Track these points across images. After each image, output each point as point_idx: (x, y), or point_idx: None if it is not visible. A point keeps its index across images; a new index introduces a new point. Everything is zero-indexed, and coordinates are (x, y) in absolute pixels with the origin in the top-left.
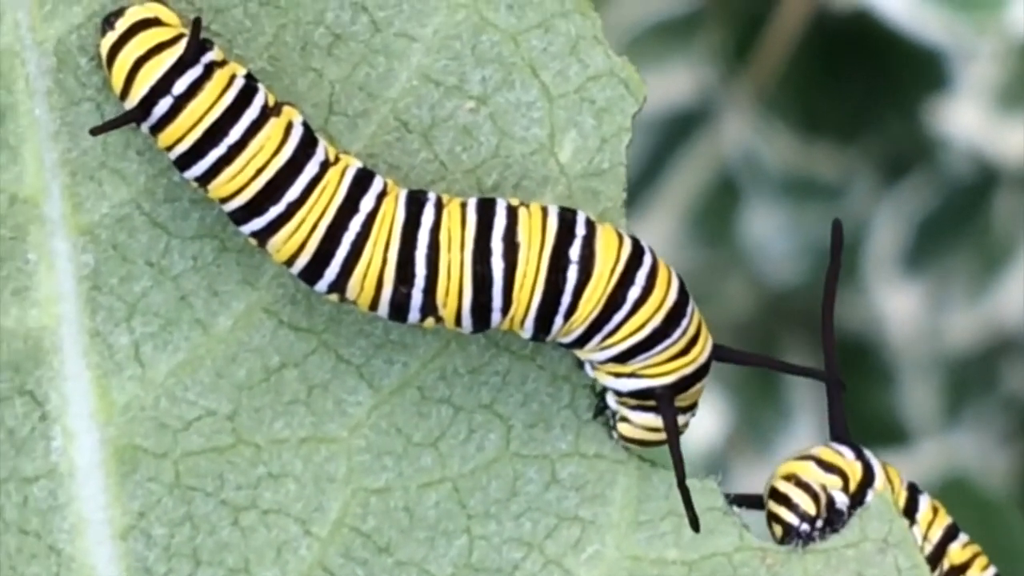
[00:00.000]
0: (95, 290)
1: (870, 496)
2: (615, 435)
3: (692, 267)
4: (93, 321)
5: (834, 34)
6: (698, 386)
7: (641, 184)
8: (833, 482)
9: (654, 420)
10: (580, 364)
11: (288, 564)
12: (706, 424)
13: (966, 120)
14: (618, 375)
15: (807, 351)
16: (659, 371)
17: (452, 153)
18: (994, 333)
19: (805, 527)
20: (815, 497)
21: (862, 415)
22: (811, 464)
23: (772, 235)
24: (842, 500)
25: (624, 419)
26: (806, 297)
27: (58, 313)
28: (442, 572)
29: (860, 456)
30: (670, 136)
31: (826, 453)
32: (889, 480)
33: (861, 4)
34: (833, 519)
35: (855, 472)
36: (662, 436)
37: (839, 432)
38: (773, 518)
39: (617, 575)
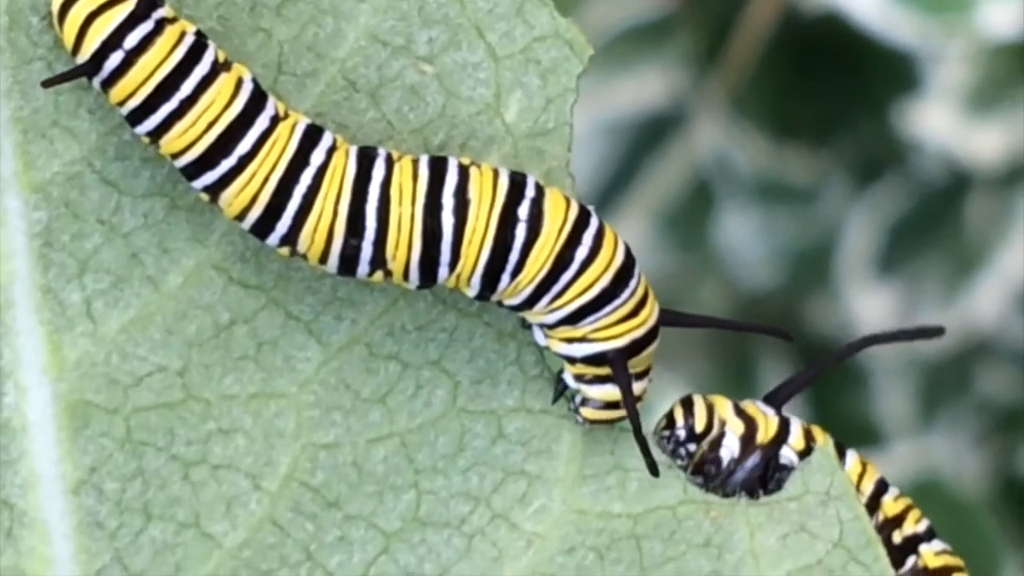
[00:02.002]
0: (47, 247)
1: (785, 452)
2: (580, 419)
3: (665, 271)
4: (45, 278)
5: (804, 37)
6: (649, 350)
7: (614, 188)
8: (735, 426)
9: (612, 391)
10: (532, 332)
11: (238, 518)
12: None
13: (937, 123)
14: (570, 340)
15: (781, 354)
16: (610, 334)
17: (399, 113)
18: (967, 336)
19: (682, 434)
20: (710, 424)
21: (836, 417)
22: (728, 402)
23: (745, 239)
24: (731, 443)
25: (585, 401)
26: (780, 301)
27: (10, 270)
28: (390, 526)
29: (780, 416)
30: (642, 140)
31: (748, 403)
32: (812, 437)
33: (830, 6)
34: (712, 458)
35: (768, 426)
36: (620, 413)
37: (775, 397)
38: (665, 416)
39: (563, 529)
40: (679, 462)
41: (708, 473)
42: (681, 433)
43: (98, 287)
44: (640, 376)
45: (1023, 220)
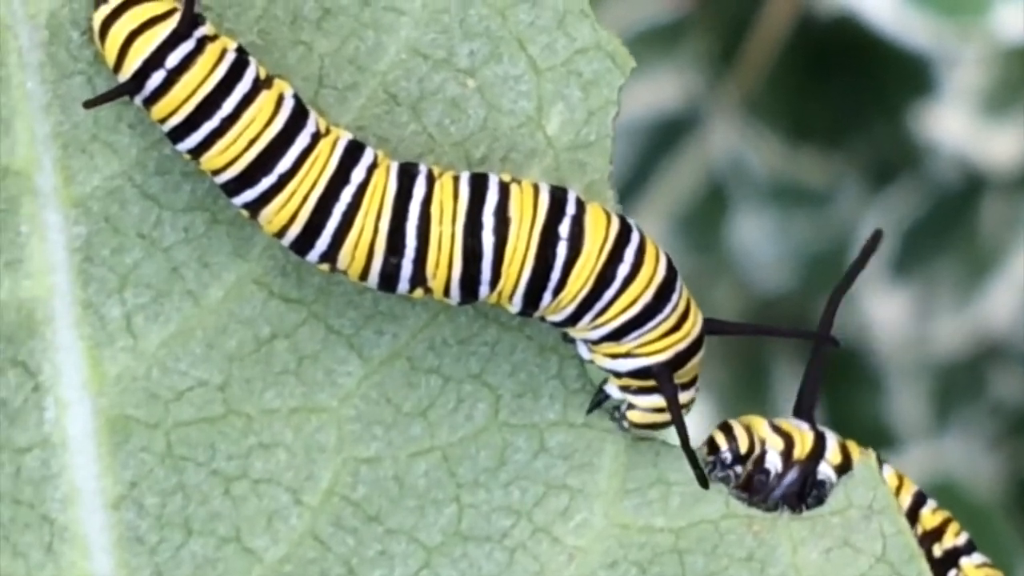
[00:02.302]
0: (87, 262)
1: (823, 468)
2: (625, 425)
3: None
4: (85, 292)
5: (819, 39)
6: (694, 361)
7: (628, 190)
8: (775, 442)
9: (659, 400)
10: (575, 345)
11: (279, 533)
12: (691, 425)
13: (952, 126)
14: (615, 356)
15: (794, 357)
16: (654, 348)
17: (440, 126)
18: (981, 339)
19: (728, 456)
20: (752, 445)
21: (850, 421)
22: (763, 421)
23: (759, 241)
24: (774, 461)
25: (631, 406)
26: (793, 303)
27: (50, 284)
28: (431, 540)
29: (815, 430)
30: (657, 142)
31: (782, 420)
32: (849, 452)
33: (846, 9)
34: (758, 477)
35: (804, 441)
36: (667, 417)
37: (804, 408)
38: (707, 443)
39: (605, 543)
40: (728, 485)
41: (754, 490)
42: (727, 456)
43: (138, 302)
44: (687, 386)
45: None
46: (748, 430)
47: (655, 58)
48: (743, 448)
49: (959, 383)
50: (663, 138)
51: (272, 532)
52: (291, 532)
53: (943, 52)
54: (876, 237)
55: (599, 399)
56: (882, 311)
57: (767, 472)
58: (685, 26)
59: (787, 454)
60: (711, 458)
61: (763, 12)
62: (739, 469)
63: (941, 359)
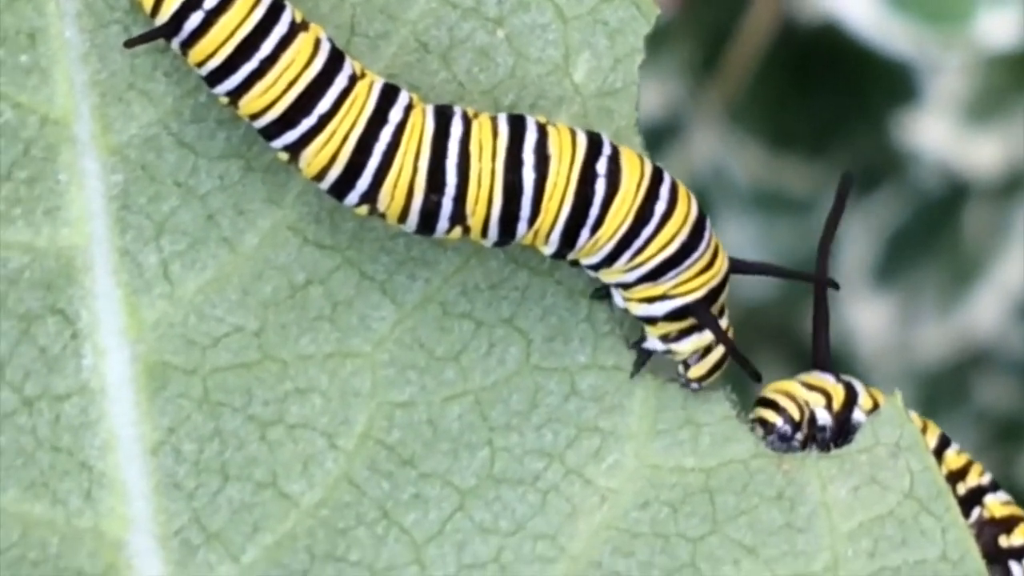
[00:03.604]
0: (124, 209)
1: (856, 414)
2: (694, 385)
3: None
4: (123, 240)
5: (801, 47)
6: (722, 297)
7: None
8: (816, 399)
9: (699, 339)
10: (608, 295)
11: (315, 477)
12: None
13: (935, 133)
14: (651, 299)
15: (780, 364)
16: (690, 287)
17: (470, 74)
18: (965, 346)
19: (786, 428)
20: (800, 408)
21: None
22: (796, 383)
23: (742, 249)
24: (824, 417)
25: (687, 364)
26: (778, 311)
27: (88, 232)
28: (465, 483)
29: (841, 381)
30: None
31: (809, 377)
32: (875, 399)
33: (828, 16)
34: (815, 435)
35: (838, 393)
36: (721, 352)
37: (821, 359)
38: (758, 422)
39: (637, 484)
40: (792, 452)
41: (812, 448)
42: (786, 429)
43: (175, 249)
44: (719, 316)
45: (1021, 230)
46: (789, 396)
47: None
48: (796, 415)
49: (943, 390)
50: (645, 145)
51: (308, 477)
52: (327, 476)
53: (926, 60)
54: (846, 181)
55: (643, 358)
56: (865, 318)
57: (823, 428)
58: (667, 33)
59: (828, 407)
60: (769, 437)
61: (745, 20)
62: (799, 436)
63: (925, 366)
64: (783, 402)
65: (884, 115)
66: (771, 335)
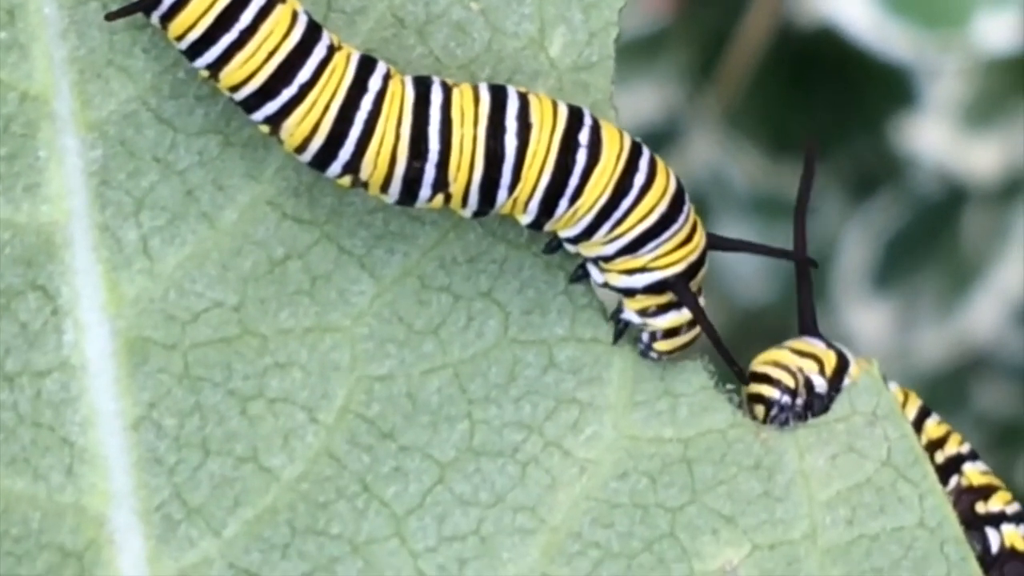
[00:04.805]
0: (104, 185)
1: (847, 381)
2: (655, 356)
3: None
4: (102, 216)
5: (799, 51)
6: (701, 273)
7: None
8: (809, 366)
9: (677, 316)
10: (585, 277)
11: (295, 451)
12: None
13: (933, 137)
14: (631, 271)
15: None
16: (670, 260)
17: (446, 48)
18: (964, 351)
19: (786, 399)
20: (793, 376)
21: None
22: (786, 351)
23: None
24: (819, 382)
25: (655, 335)
26: (775, 315)
27: (68, 208)
28: (445, 456)
29: (831, 346)
30: None
31: (799, 343)
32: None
33: (825, 20)
34: (813, 403)
35: (829, 358)
36: (692, 334)
37: (808, 326)
38: (754, 398)
39: (615, 454)
40: (794, 422)
41: (810, 415)
42: (785, 400)
43: (155, 224)
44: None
45: (1019, 235)
46: (780, 366)
47: (635, 70)
48: (791, 383)
49: (942, 394)
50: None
51: (288, 451)
52: (307, 450)
53: (924, 64)
54: (812, 146)
55: (620, 328)
56: (864, 323)
57: (821, 396)
58: (665, 38)
59: (822, 372)
60: (772, 413)
61: (743, 24)
62: (799, 402)
63: (924, 371)
64: (775, 373)
65: (882, 119)
66: (769, 339)
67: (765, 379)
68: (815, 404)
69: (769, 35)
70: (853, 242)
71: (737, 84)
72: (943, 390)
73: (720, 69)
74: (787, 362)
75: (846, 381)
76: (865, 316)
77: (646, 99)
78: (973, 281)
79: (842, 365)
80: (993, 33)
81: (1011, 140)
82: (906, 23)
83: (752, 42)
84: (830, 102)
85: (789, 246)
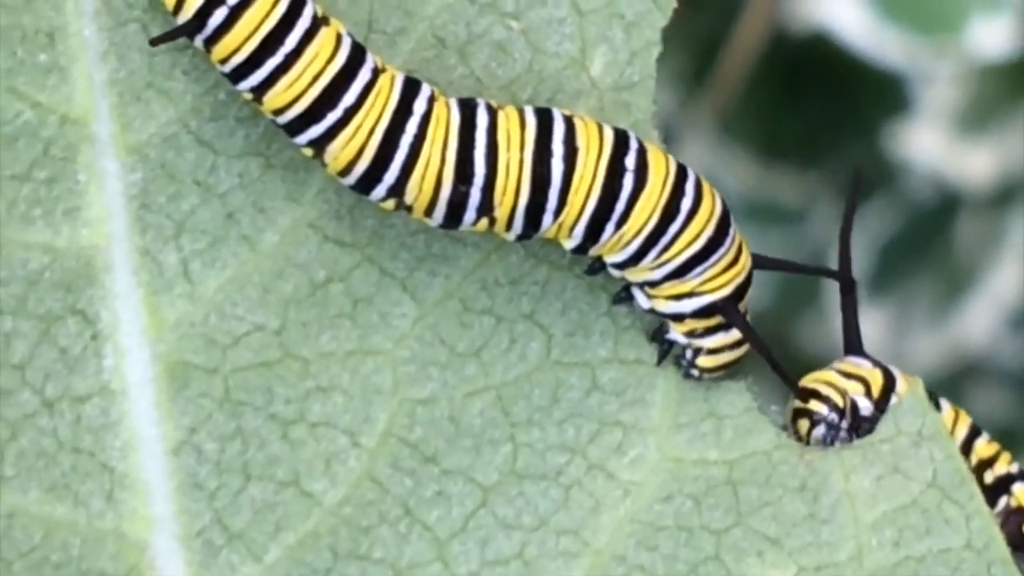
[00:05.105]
0: (144, 209)
1: (894, 400)
2: (696, 373)
3: None
4: (143, 239)
5: (792, 57)
6: (748, 294)
7: None
8: (855, 388)
9: (724, 337)
10: (629, 299)
11: (338, 475)
12: None
13: (927, 143)
14: (678, 296)
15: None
16: (717, 283)
17: (488, 69)
18: (958, 357)
19: (833, 416)
20: (842, 395)
21: None
22: (833, 372)
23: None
24: (865, 405)
25: (699, 351)
26: (770, 322)
27: (108, 232)
28: (488, 480)
29: (878, 365)
30: None
31: (845, 365)
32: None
33: (819, 26)
34: (858, 425)
35: (876, 379)
36: (739, 353)
37: (854, 345)
38: (800, 413)
39: (660, 476)
40: (839, 444)
41: (859, 435)
42: (833, 417)
43: (195, 248)
44: None
45: (1013, 240)
46: (830, 385)
47: None
48: (840, 402)
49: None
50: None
51: (331, 475)
52: (349, 474)
53: (917, 69)
54: (859, 172)
55: (665, 348)
56: None
57: (867, 419)
58: None
59: (868, 395)
60: (816, 430)
61: (736, 30)
62: (845, 424)
63: (918, 376)
64: (824, 390)
65: (876, 125)
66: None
67: (814, 395)
68: (861, 427)
69: (762, 41)
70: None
71: (730, 90)
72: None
73: (713, 75)
74: (835, 382)
75: (893, 399)
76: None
77: None
78: (967, 287)
79: (888, 384)
80: (987, 39)
81: (1005, 146)
82: (900, 29)
83: (745, 48)
84: (823, 108)
85: (783, 253)
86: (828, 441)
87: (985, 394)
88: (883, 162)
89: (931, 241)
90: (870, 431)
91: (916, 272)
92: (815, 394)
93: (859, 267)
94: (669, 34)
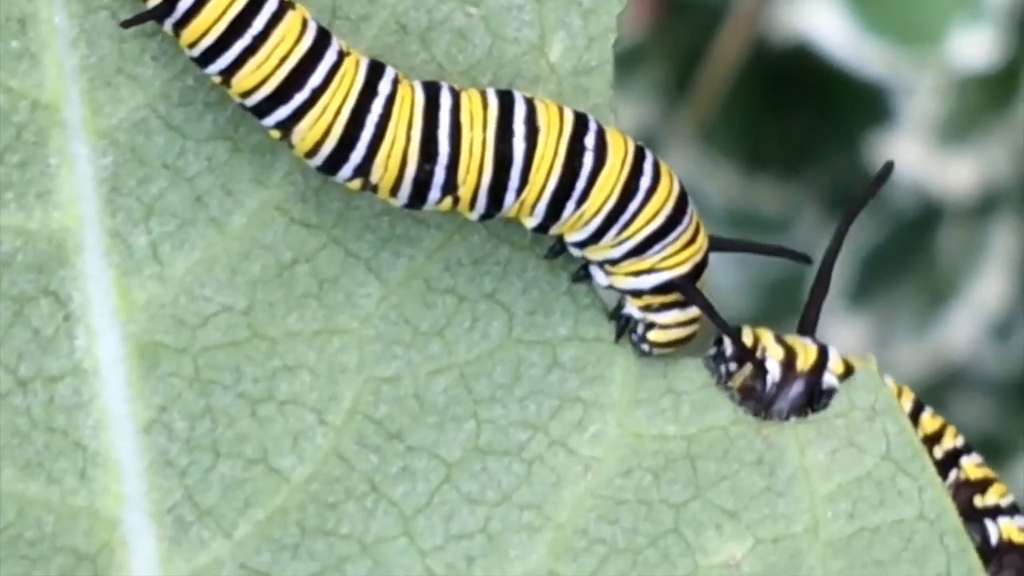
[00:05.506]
0: (114, 192)
1: (827, 378)
2: (646, 348)
3: None
4: (113, 222)
5: (774, 68)
6: (704, 275)
7: None
8: (775, 351)
9: (679, 314)
10: (587, 277)
11: (305, 452)
12: None
13: (909, 154)
14: (637, 273)
15: None
16: (676, 261)
17: (449, 54)
18: (940, 366)
19: (728, 350)
20: (754, 347)
21: None
22: (769, 333)
23: (717, 269)
24: (772, 368)
25: (651, 326)
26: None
27: (79, 215)
28: (452, 456)
29: (815, 342)
30: None
31: (788, 336)
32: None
33: (800, 37)
34: (754, 383)
35: (808, 353)
36: (690, 330)
37: (807, 327)
38: (716, 340)
39: (620, 452)
40: (723, 381)
41: (752, 398)
42: (728, 350)
43: (164, 230)
44: None
45: (995, 250)
46: (755, 337)
47: None
48: (747, 344)
49: None
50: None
51: (298, 452)
52: (316, 451)
53: (899, 80)
54: (888, 167)
55: (622, 324)
56: (841, 338)
57: (764, 380)
58: (640, 55)
59: (788, 364)
60: (712, 350)
61: (718, 41)
62: (733, 367)
63: None
64: (745, 334)
65: (858, 136)
66: None
67: (735, 332)
68: (757, 385)
69: (744, 51)
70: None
71: (712, 100)
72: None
73: (695, 85)
74: (761, 338)
75: (827, 376)
76: (842, 332)
77: (622, 115)
78: (949, 297)
79: (821, 361)
80: (968, 50)
81: (986, 156)
82: (881, 40)
83: (727, 58)
84: (805, 119)
85: (765, 263)
86: (715, 375)
87: (968, 403)
88: (865, 173)
89: (913, 251)
90: (769, 397)
91: (899, 282)
92: (736, 331)
93: (842, 277)
94: (651, 44)
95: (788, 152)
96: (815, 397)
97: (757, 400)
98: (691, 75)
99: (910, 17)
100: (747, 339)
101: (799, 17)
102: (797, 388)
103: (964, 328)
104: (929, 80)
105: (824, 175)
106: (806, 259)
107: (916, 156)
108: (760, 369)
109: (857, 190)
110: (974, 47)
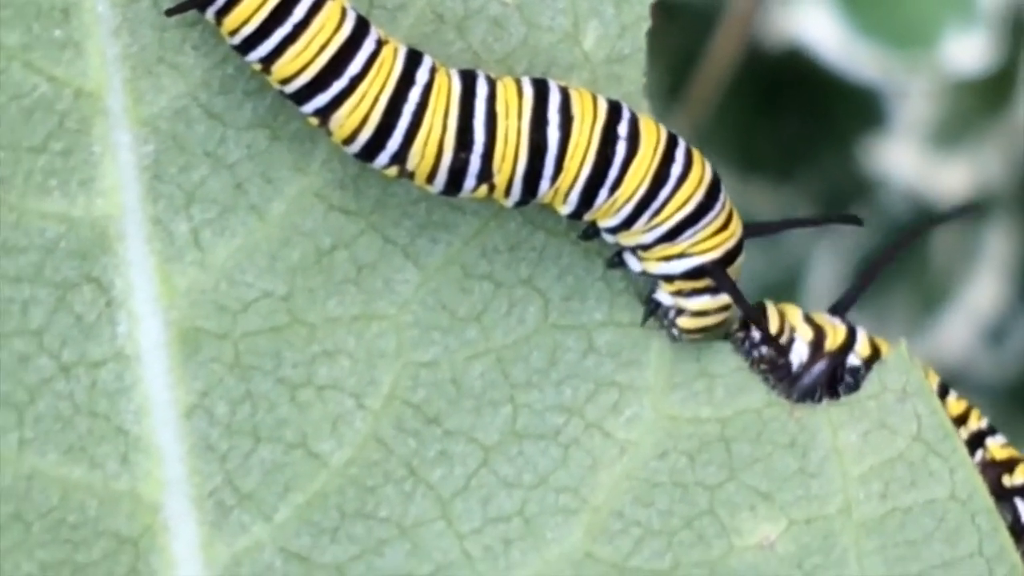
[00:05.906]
0: (156, 179)
1: (852, 359)
2: (676, 333)
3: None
4: (155, 209)
5: (768, 72)
6: (738, 261)
7: None
8: (804, 332)
9: (709, 301)
10: (622, 263)
11: (344, 437)
12: None
13: (902, 158)
14: (668, 258)
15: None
16: (707, 246)
17: (484, 43)
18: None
19: (756, 334)
20: (781, 329)
21: None
22: (798, 311)
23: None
24: (799, 349)
25: (681, 312)
26: None
27: (122, 202)
28: (489, 440)
29: (847, 324)
30: None
31: (816, 314)
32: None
33: (794, 41)
34: (782, 361)
35: (836, 334)
36: (720, 318)
37: (840, 308)
38: (742, 321)
39: (655, 435)
40: (752, 363)
41: (778, 377)
42: (756, 335)
43: (205, 217)
44: None
45: (988, 255)
46: (782, 315)
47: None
48: (773, 328)
49: None
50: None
51: (337, 436)
52: (355, 436)
53: (892, 85)
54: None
55: (651, 308)
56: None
57: (789, 361)
58: None
59: (817, 345)
60: (740, 334)
61: (711, 45)
62: (764, 350)
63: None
64: (771, 314)
65: (851, 140)
66: None
67: (762, 311)
68: (784, 363)
69: (738, 55)
70: (822, 262)
71: (705, 105)
72: None
73: (688, 89)
74: (790, 318)
75: (851, 358)
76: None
77: None
78: (943, 301)
79: (848, 342)
80: (961, 54)
81: (979, 161)
82: (874, 44)
83: (721, 62)
84: (799, 123)
85: (759, 266)
86: (743, 355)
87: None
88: (858, 177)
89: (906, 256)
90: (794, 378)
91: (892, 286)
92: (763, 309)
93: (835, 281)
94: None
95: (781, 155)
96: (839, 377)
97: (782, 380)
98: (684, 78)
99: (903, 21)
100: (773, 318)
101: (792, 21)
102: (820, 367)
103: (958, 332)
104: (922, 84)
105: (817, 179)
106: (856, 220)
107: (909, 160)
108: (787, 350)
109: (850, 194)
110: (967, 51)
